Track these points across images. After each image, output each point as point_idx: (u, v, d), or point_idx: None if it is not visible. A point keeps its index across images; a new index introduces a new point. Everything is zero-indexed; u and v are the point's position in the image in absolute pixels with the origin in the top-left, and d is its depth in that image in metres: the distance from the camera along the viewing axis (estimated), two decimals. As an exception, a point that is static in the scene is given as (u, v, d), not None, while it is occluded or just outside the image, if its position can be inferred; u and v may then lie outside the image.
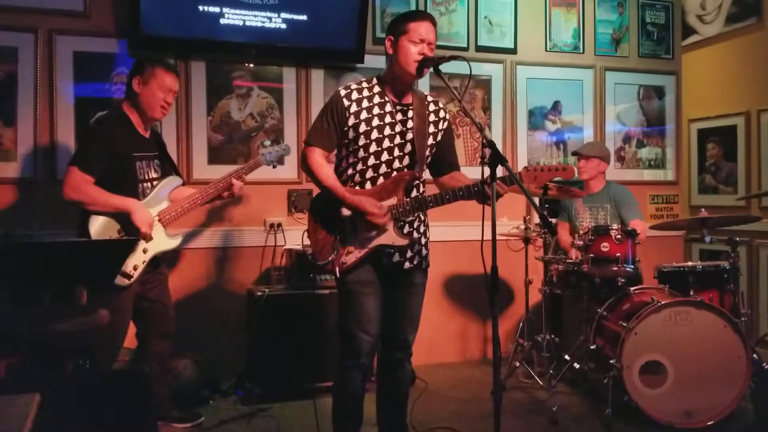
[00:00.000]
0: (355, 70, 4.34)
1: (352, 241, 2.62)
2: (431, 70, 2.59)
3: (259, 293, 3.73)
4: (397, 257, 2.68)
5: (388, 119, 2.65)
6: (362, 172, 2.65)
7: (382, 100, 2.67)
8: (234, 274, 4.13)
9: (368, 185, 2.65)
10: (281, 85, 4.23)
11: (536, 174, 2.61)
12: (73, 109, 3.80)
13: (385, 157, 2.64)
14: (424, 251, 2.76)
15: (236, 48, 4.01)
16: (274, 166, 3.50)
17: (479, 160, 4.52)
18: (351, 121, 2.63)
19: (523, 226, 4.00)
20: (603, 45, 5.03)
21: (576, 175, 4.10)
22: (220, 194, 3.21)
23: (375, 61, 4.22)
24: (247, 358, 3.81)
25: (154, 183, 3.11)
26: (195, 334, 3.79)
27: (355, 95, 2.66)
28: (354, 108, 2.63)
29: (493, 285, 2.24)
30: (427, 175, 2.81)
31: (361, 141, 2.63)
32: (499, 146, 4.65)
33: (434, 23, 2.66)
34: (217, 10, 3.89)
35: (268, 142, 4.09)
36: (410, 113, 2.69)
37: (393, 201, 2.62)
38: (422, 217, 2.77)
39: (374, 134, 2.62)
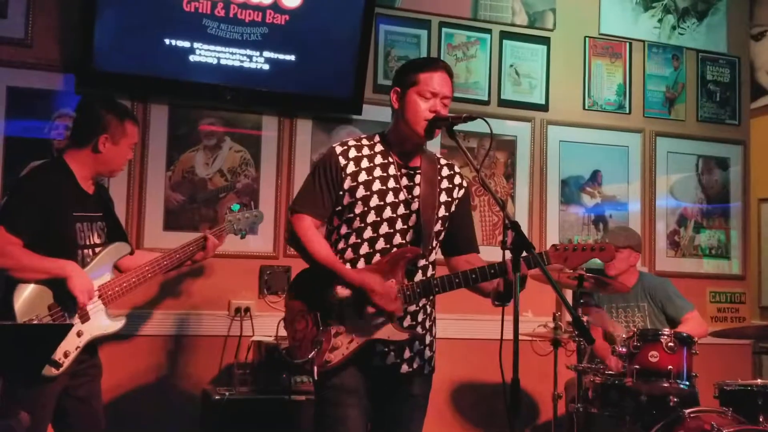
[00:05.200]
0: (350, 123, 4.47)
1: (340, 333, 2.63)
2: (444, 130, 2.67)
3: (217, 396, 3.71)
4: (392, 357, 2.68)
5: (391, 184, 2.71)
6: (355, 247, 2.69)
7: (385, 161, 2.74)
8: (188, 369, 4.12)
9: (361, 263, 2.68)
10: (259, 133, 4.32)
11: (567, 254, 2.64)
12: (1, 151, 3.87)
13: (384, 229, 2.68)
14: (428, 353, 2.77)
15: (207, 90, 4.13)
16: (244, 236, 3.56)
17: (498, 238, 4.62)
18: (347, 183, 2.69)
19: (552, 325, 4.01)
20: (654, 105, 5.18)
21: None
22: (177, 266, 3.27)
23: (375, 112, 4.32)
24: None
25: (97, 250, 3.15)
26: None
27: (353, 153, 2.73)
28: (351, 168, 2.70)
29: (513, 399, 2.25)
30: (438, 255, 2.85)
31: (358, 209, 2.68)
32: (525, 222, 4.76)
33: (450, 74, 2.74)
34: (186, 44, 4.04)
35: (236, 207, 4.16)
36: (417, 178, 2.76)
37: (390, 285, 2.66)
38: (428, 309, 2.78)
39: (374, 201, 2.68)
